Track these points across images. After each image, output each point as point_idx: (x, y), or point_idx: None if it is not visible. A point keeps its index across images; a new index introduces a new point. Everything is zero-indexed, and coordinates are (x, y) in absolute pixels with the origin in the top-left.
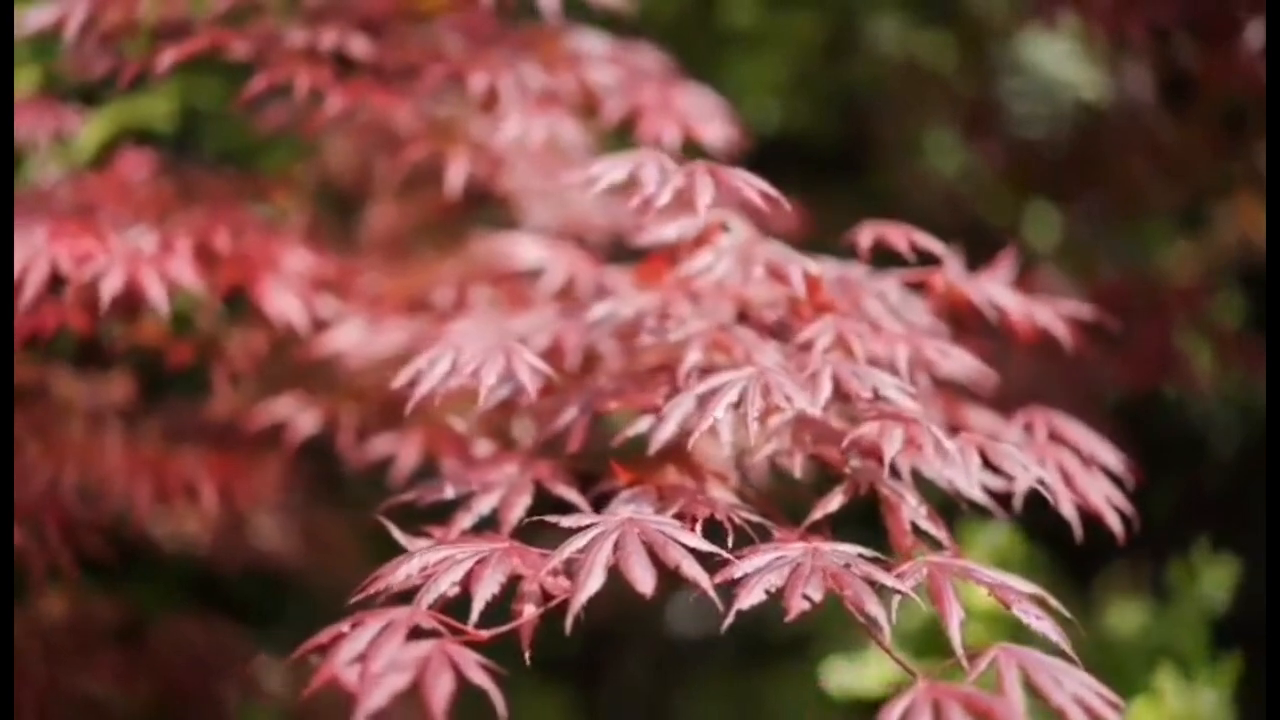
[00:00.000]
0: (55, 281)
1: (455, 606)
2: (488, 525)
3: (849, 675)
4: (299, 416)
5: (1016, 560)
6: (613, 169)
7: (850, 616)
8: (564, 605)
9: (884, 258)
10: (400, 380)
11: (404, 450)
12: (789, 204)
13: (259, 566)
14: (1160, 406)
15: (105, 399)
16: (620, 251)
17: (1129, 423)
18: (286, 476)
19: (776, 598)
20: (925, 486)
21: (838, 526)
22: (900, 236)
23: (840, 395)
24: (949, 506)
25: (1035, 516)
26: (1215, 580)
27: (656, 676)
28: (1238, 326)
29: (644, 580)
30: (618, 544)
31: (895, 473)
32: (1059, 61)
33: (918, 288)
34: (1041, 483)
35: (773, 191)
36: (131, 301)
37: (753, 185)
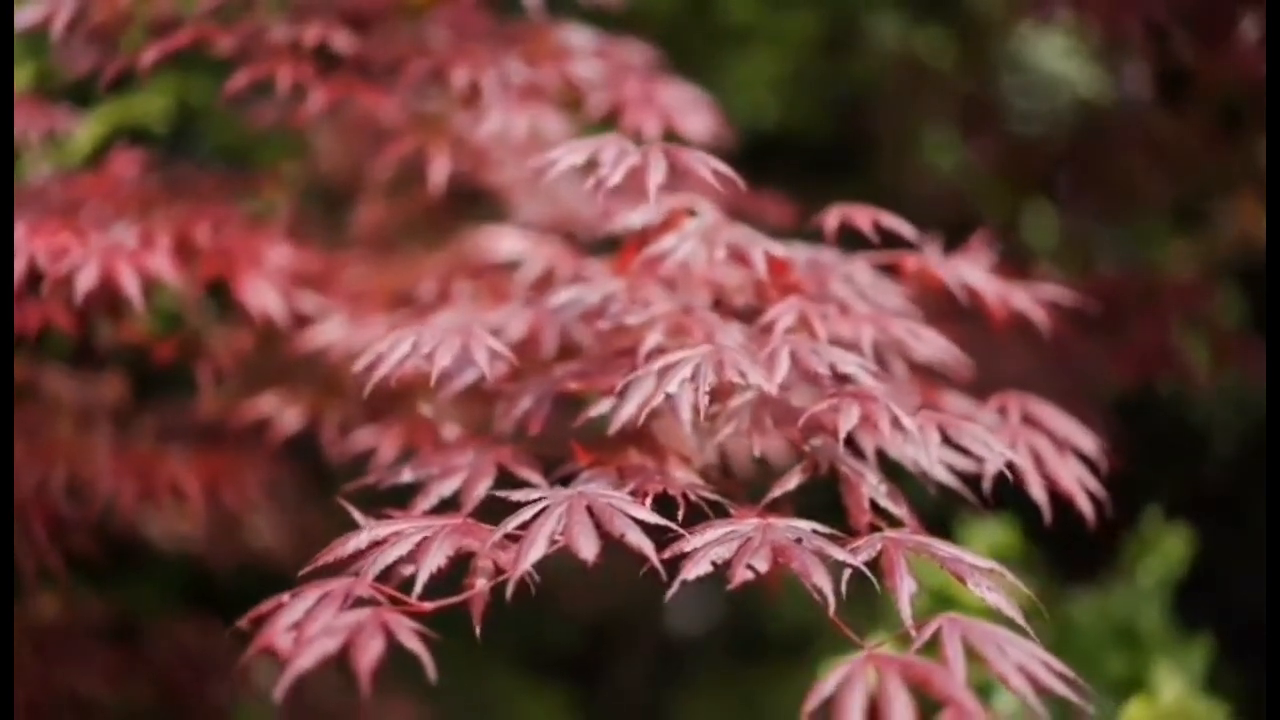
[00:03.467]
0: (37, 283)
1: (411, 585)
2: (450, 508)
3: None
4: (283, 413)
5: (1015, 556)
6: (572, 152)
7: (850, 613)
8: (547, 599)
9: (879, 244)
10: (361, 363)
11: (385, 443)
12: (784, 199)
13: (253, 566)
14: (1159, 404)
15: (95, 398)
16: (609, 246)
17: (1128, 420)
18: (278, 475)
19: (759, 588)
20: (912, 487)
21: (813, 512)
22: (865, 218)
23: (802, 374)
24: (949, 505)
25: (1040, 514)
26: (1170, 551)
27: (654, 675)
28: (1235, 323)
29: (586, 547)
30: (564, 516)
31: (858, 452)
32: (1057, 58)
33: (890, 270)
34: (1009, 464)
35: (727, 170)
36: (113, 298)
37: (707, 165)
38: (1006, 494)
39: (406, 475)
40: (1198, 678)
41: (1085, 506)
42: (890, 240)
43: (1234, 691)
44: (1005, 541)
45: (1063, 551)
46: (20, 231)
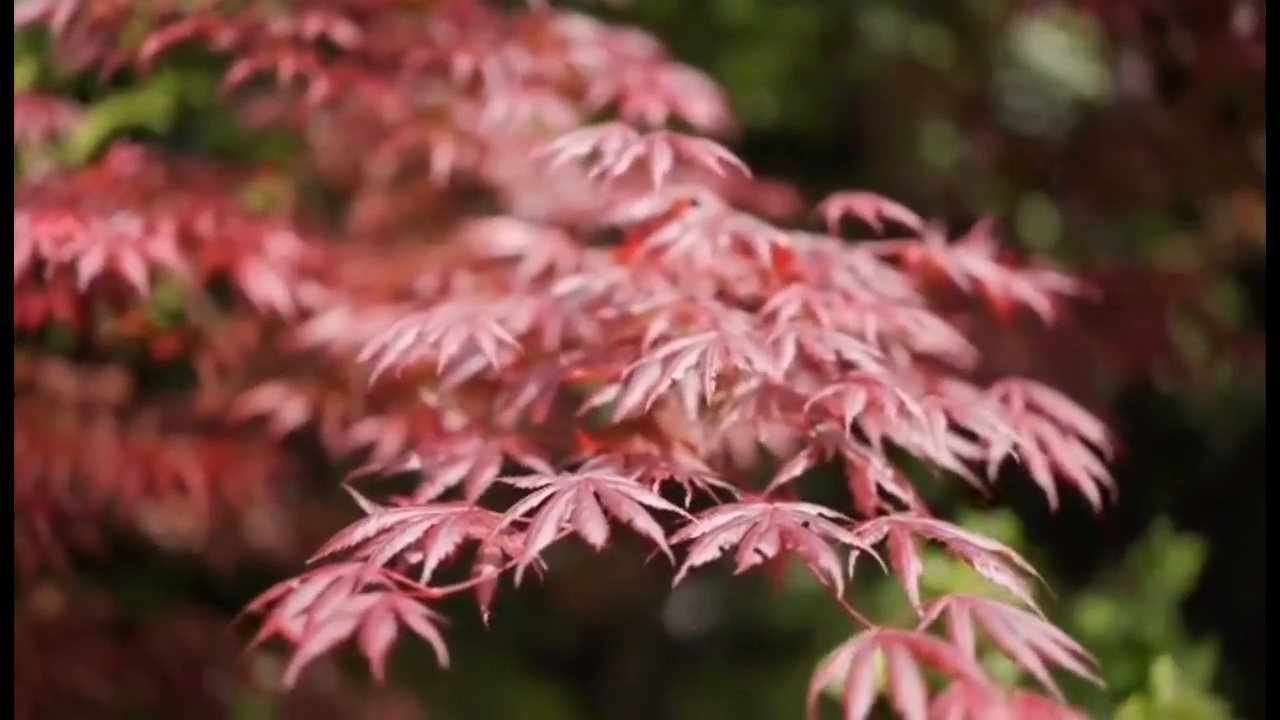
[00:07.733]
0: (41, 271)
1: (419, 572)
2: (455, 496)
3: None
4: (284, 406)
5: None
6: (577, 142)
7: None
8: (554, 599)
9: (879, 235)
10: (367, 352)
11: (386, 436)
12: (784, 196)
13: (254, 562)
14: (1159, 403)
15: (96, 392)
16: (610, 239)
17: (1127, 419)
18: (278, 471)
19: (761, 585)
20: (916, 481)
21: (819, 501)
22: (868, 207)
23: (807, 362)
24: (949, 503)
25: (1039, 518)
26: (1179, 563)
27: (655, 674)
28: (1232, 320)
29: (595, 532)
30: (572, 502)
31: (863, 438)
32: (1054, 55)
33: (893, 261)
34: (1016, 448)
35: (733, 159)
36: (116, 288)
37: (712, 152)
38: (1008, 493)
39: (412, 463)
40: (1202, 681)
41: (1091, 492)
42: (893, 231)
43: (1236, 693)
44: (1006, 540)
45: (1062, 551)
46: (23, 220)
